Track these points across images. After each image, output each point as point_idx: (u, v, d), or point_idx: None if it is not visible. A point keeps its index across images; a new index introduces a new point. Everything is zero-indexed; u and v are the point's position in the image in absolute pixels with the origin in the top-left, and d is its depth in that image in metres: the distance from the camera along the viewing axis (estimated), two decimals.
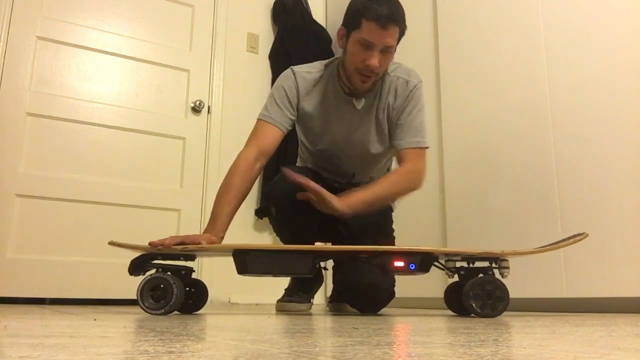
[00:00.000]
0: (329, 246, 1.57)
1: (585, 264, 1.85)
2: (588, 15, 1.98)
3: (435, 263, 1.53)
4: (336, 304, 2.02)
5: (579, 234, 1.54)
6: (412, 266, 1.46)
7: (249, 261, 1.42)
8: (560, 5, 2.08)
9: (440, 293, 2.39)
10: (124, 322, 1.07)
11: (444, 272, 1.55)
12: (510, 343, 0.71)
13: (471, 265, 1.51)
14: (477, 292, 1.38)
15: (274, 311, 1.89)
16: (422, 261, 1.47)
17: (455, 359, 0.55)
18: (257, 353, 0.57)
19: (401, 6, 1.63)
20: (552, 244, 1.58)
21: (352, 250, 1.58)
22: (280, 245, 1.47)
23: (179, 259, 1.49)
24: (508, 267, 1.46)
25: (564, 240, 1.55)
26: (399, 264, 1.46)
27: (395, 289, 1.78)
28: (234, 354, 0.57)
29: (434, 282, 2.38)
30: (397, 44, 1.67)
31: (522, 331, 0.92)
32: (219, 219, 1.55)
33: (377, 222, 1.91)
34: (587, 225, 1.85)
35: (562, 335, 0.84)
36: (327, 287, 2.92)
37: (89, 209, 2.57)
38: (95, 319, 1.18)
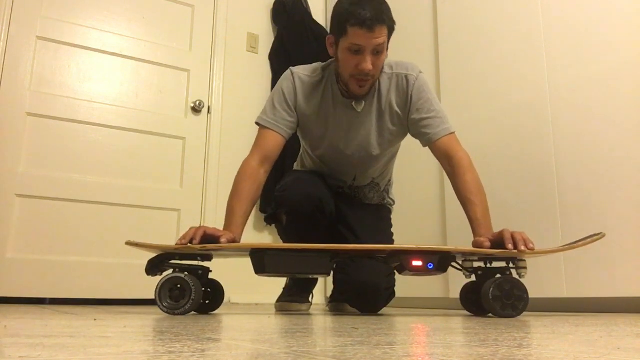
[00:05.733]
0: (346, 245, 1.56)
1: (585, 264, 1.85)
2: (588, 15, 1.98)
3: (453, 263, 1.52)
4: (336, 304, 2.02)
5: (597, 234, 1.53)
6: (430, 265, 1.44)
7: (267, 261, 1.41)
8: (560, 5, 2.08)
9: (439, 293, 2.40)
10: (124, 322, 1.07)
11: (461, 272, 1.54)
12: (510, 343, 0.71)
13: (489, 265, 1.50)
14: (496, 293, 1.38)
15: (274, 311, 1.89)
16: (440, 261, 1.45)
17: (455, 358, 0.55)
18: (257, 353, 0.57)
19: (384, 2, 1.59)
20: (570, 243, 1.58)
21: (370, 249, 1.57)
22: (298, 244, 1.46)
23: (196, 259, 1.49)
24: (525, 267, 1.45)
25: (581, 240, 1.54)
26: (417, 263, 1.44)
27: (395, 288, 1.78)
28: (234, 354, 0.57)
29: (434, 282, 2.38)
30: (389, 41, 1.64)
31: (522, 331, 0.92)
32: (234, 222, 1.55)
33: (379, 227, 1.91)
34: (587, 225, 1.85)
35: (562, 335, 0.84)
36: (327, 287, 2.92)
37: (89, 209, 2.57)
38: (95, 319, 1.18)
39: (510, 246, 1.39)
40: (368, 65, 1.58)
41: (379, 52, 1.60)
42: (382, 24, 1.55)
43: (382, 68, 1.72)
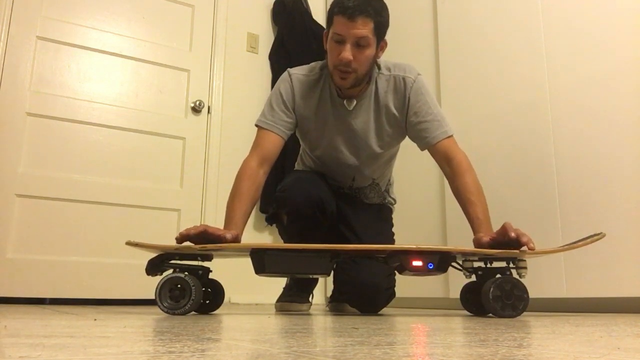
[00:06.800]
0: (346, 245, 1.56)
1: (585, 264, 1.85)
2: (588, 15, 1.98)
3: (453, 263, 1.52)
4: (336, 304, 2.02)
5: (597, 234, 1.52)
6: (430, 265, 1.44)
7: (267, 261, 1.41)
8: (560, 5, 2.08)
9: (439, 293, 2.40)
10: (124, 322, 1.07)
11: (461, 272, 1.54)
12: (511, 343, 0.71)
13: (489, 265, 1.50)
14: (496, 293, 1.38)
15: (274, 311, 1.89)
16: (440, 261, 1.45)
17: (455, 358, 0.55)
18: (257, 353, 0.57)
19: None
20: (570, 243, 1.58)
21: (369, 249, 1.57)
22: (298, 244, 1.46)
23: (196, 259, 1.50)
24: (525, 267, 1.45)
25: (581, 240, 1.54)
26: (417, 263, 1.44)
27: (395, 288, 1.78)
28: (234, 354, 0.57)
29: (434, 282, 2.38)
30: (379, 39, 1.63)
31: (522, 331, 0.92)
32: (234, 221, 1.54)
33: (380, 227, 1.91)
34: (587, 225, 1.85)
35: (562, 335, 0.84)
36: (327, 287, 2.92)
37: (89, 209, 2.57)
38: (95, 319, 1.18)
39: (512, 234, 1.38)
40: (347, 54, 1.57)
41: (361, 45, 1.58)
42: (365, 16, 1.55)
43: (379, 69, 1.72)
